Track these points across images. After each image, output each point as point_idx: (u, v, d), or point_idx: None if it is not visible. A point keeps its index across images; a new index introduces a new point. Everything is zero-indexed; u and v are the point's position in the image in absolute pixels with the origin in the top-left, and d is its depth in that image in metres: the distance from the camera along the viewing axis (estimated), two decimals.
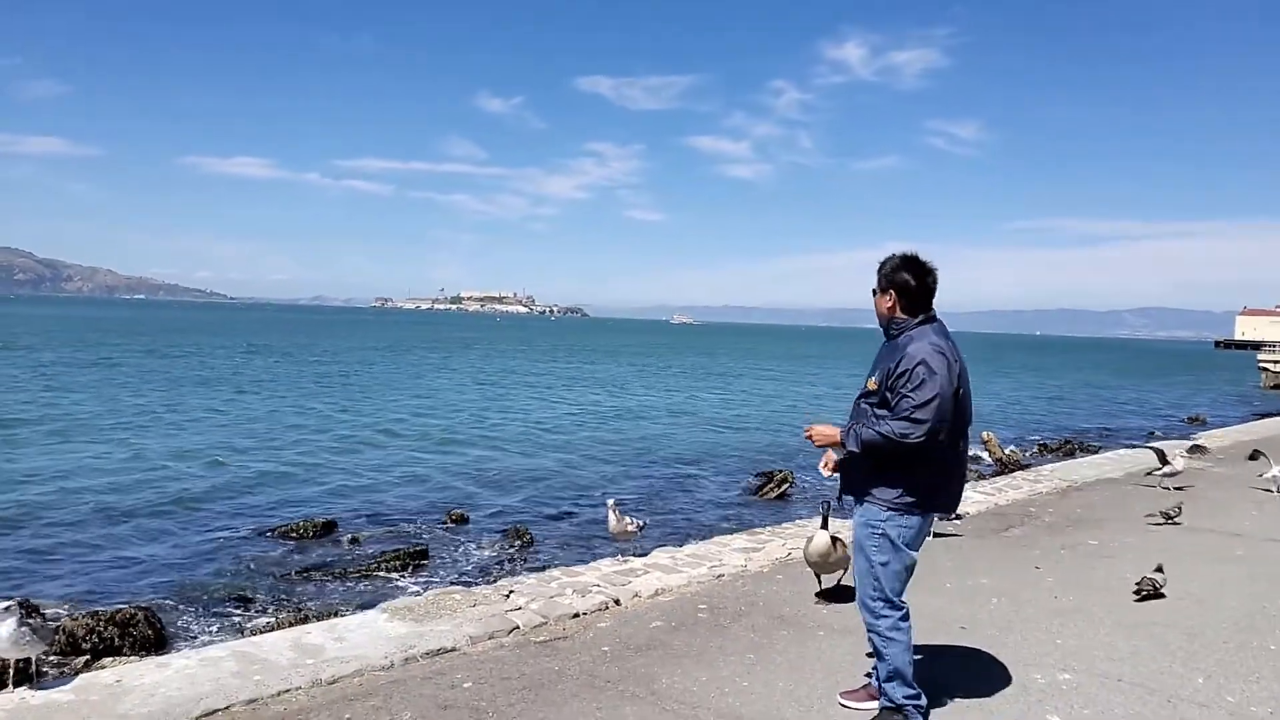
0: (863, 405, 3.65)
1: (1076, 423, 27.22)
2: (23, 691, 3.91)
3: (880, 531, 3.58)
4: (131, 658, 6.32)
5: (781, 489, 13.88)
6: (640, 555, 6.58)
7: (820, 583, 5.59)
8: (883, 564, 3.58)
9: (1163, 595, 5.64)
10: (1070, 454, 18.04)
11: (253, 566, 9.16)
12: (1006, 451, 16.88)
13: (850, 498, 3.76)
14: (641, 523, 6.79)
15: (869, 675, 3.99)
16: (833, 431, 3.64)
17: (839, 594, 5.52)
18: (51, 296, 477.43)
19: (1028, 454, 18.12)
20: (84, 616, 6.68)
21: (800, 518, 9.34)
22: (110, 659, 6.27)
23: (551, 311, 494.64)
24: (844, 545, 5.33)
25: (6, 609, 4.00)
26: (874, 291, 3.72)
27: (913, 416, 3.39)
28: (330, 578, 8.71)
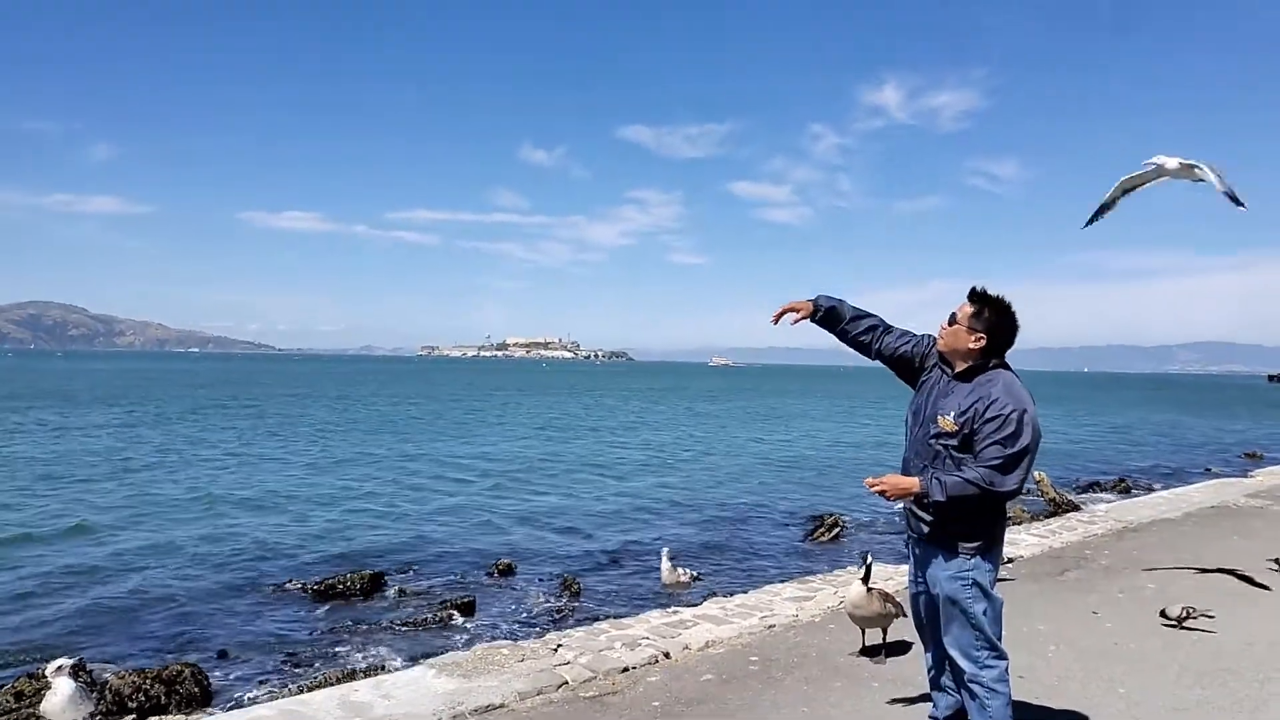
0: (936, 446, 3.48)
1: (1129, 461, 26.56)
2: None
3: (970, 580, 3.47)
4: (178, 716, 6.38)
5: (833, 532, 13.73)
6: (691, 606, 6.53)
7: (865, 637, 5.46)
8: (982, 612, 3.47)
9: (1190, 625, 5.56)
10: (1125, 492, 17.60)
11: (300, 621, 9.21)
12: (1059, 492, 16.49)
13: (921, 546, 3.63)
14: (694, 573, 6.76)
15: None
16: (910, 483, 3.41)
17: (888, 648, 5.41)
18: (103, 351, 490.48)
19: (1081, 493, 17.70)
20: (130, 674, 6.72)
21: (854, 563, 9.22)
22: (157, 717, 6.34)
23: (596, 356, 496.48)
24: (884, 598, 5.20)
25: (59, 669, 4.06)
26: (953, 319, 3.56)
27: (1004, 466, 3.29)
28: (377, 632, 8.72)
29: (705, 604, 6.60)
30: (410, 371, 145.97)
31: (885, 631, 5.40)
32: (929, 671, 3.92)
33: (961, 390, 3.50)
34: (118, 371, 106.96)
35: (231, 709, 4.78)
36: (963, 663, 3.53)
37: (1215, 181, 5.89)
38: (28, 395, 49.92)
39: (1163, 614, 5.86)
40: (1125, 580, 7.28)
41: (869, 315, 3.85)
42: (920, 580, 3.72)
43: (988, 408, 3.37)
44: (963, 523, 3.46)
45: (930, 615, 3.72)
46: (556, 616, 9.31)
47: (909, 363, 3.77)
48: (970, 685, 3.52)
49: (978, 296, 3.55)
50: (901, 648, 5.41)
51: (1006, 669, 3.52)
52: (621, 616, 6.48)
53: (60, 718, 4.03)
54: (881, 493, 3.44)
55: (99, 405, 43.15)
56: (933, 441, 3.51)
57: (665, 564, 6.46)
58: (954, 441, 3.43)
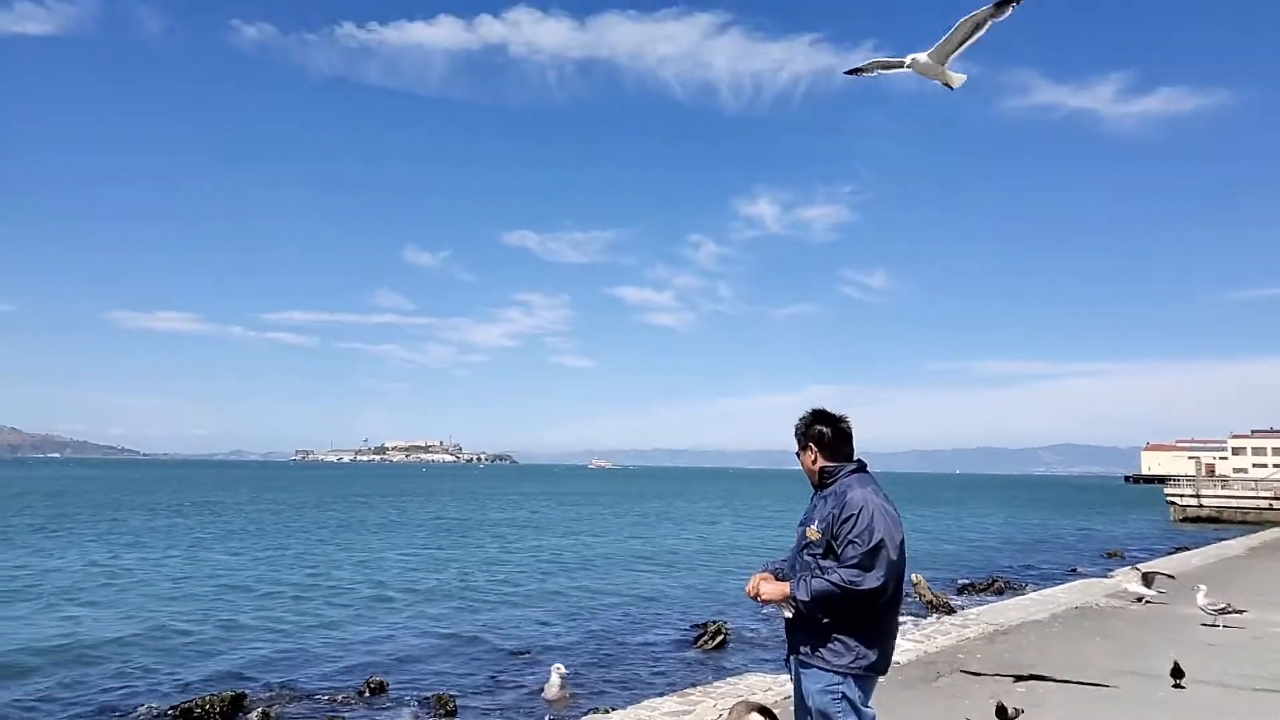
0: (805, 557, 3.60)
1: (1000, 559, 27.63)
2: None
3: (840, 695, 3.48)
4: None
5: (717, 640, 13.57)
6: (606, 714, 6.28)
7: None
8: None
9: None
10: (999, 593, 18.21)
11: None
12: (935, 594, 16.91)
13: (797, 659, 3.63)
14: (570, 691, 6.54)
15: None
16: (782, 587, 3.53)
17: None
18: None
19: (958, 595, 18.20)
20: None
21: (738, 671, 9.12)
22: None
23: (479, 459, 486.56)
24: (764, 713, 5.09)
25: None
26: (797, 453, 3.81)
27: (862, 563, 3.38)
28: None
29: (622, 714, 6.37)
30: (283, 476, 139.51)
31: None
32: None
33: (822, 501, 3.66)
34: None
35: None
36: None
37: (963, 79, 6.01)
38: None
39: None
40: (996, 685, 7.43)
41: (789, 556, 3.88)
42: (799, 693, 3.70)
43: (842, 509, 3.51)
44: (833, 634, 3.48)
45: None
46: None
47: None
48: None
49: (797, 424, 3.84)
50: None
51: None
52: None
53: None
54: (754, 596, 3.54)
55: None
56: (803, 554, 3.61)
57: (555, 680, 6.24)
58: (819, 550, 3.53)
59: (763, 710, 5.13)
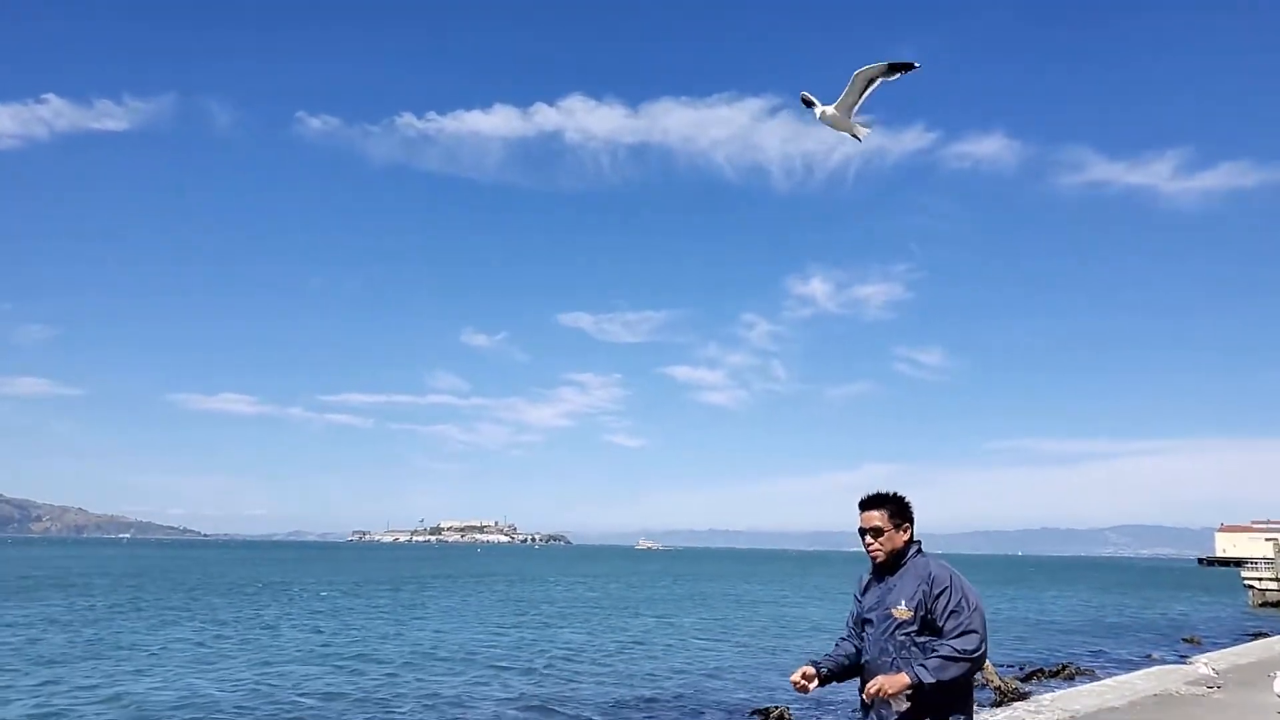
0: (899, 637, 3.72)
1: (1070, 645, 26.59)
2: None
3: None
4: None
5: None
6: None
7: None
8: None
9: None
10: (1070, 679, 17.58)
11: None
12: (1004, 680, 16.40)
13: None
14: None
15: None
16: (900, 679, 3.60)
17: None
18: (18, 538, 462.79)
19: (1025, 681, 17.60)
20: None
21: None
22: None
23: (534, 540, 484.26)
24: None
25: None
26: (877, 531, 3.86)
27: (968, 630, 3.57)
28: None
29: None
30: (344, 557, 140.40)
31: None
32: None
33: (900, 581, 3.81)
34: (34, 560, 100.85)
35: None
36: None
37: (869, 131, 6.06)
38: None
39: None
40: None
41: (839, 646, 4.07)
42: None
43: (932, 586, 3.69)
44: (938, 710, 3.63)
45: None
46: None
47: (859, 618, 4.00)
48: None
49: (875, 500, 3.94)
50: None
51: None
52: None
53: None
54: (878, 693, 3.61)
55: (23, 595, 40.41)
56: (895, 633, 3.75)
57: None
58: (914, 627, 3.71)
59: None
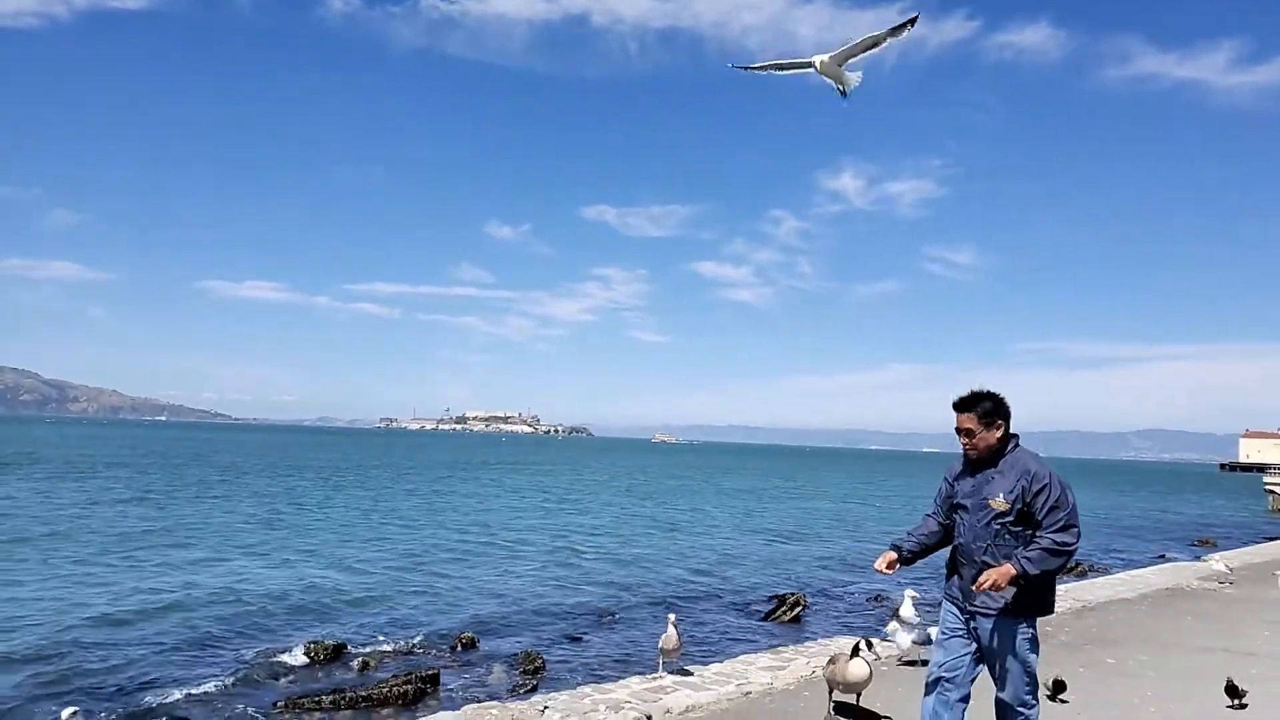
0: (995, 526, 4.07)
1: (1083, 545, 26.99)
2: None
3: (1029, 637, 4.11)
4: None
5: (795, 611, 13.84)
6: (677, 673, 6.66)
7: (831, 699, 5.70)
8: (1035, 663, 4.15)
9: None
10: (1082, 575, 17.98)
11: (262, 689, 9.09)
12: None
13: (979, 611, 4.15)
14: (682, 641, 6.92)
15: None
16: (1007, 570, 3.95)
17: (855, 711, 5.65)
18: (57, 417, 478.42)
19: None
20: None
21: (819, 638, 9.41)
22: None
23: (557, 431, 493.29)
24: (872, 668, 5.54)
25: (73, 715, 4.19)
26: (969, 430, 4.17)
27: (1068, 525, 3.95)
28: (342, 703, 8.50)
29: (676, 675, 6.76)
30: (375, 443, 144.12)
31: (859, 696, 5.66)
32: (934, 716, 4.34)
33: (1000, 474, 4.13)
34: (87, 438, 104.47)
35: None
36: (1016, 706, 4.17)
37: (858, 80, 5.99)
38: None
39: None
40: (1085, 655, 7.57)
41: (925, 523, 4.48)
42: (967, 638, 4.25)
43: (1032, 481, 4.01)
44: (1028, 592, 4.03)
45: (954, 668, 4.25)
46: (521, 691, 9.20)
47: (949, 504, 4.37)
48: None
49: (965, 403, 4.22)
50: (868, 714, 5.65)
51: (1039, 712, 4.24)
52: (603, 680, 6.60)
53: None
54: (993, 586, 3.96)
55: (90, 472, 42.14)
56: (992, 523, 4.09)
57: (672, 629, 6.65)
58: (1010, 518, 4.05)
59: (858, 649, 5.51)
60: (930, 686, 4.32)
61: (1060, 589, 12.11)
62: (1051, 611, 4.26)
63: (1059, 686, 6.11)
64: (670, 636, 6.66)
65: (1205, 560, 14.37)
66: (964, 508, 4.21)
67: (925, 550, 4.46)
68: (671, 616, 6.93)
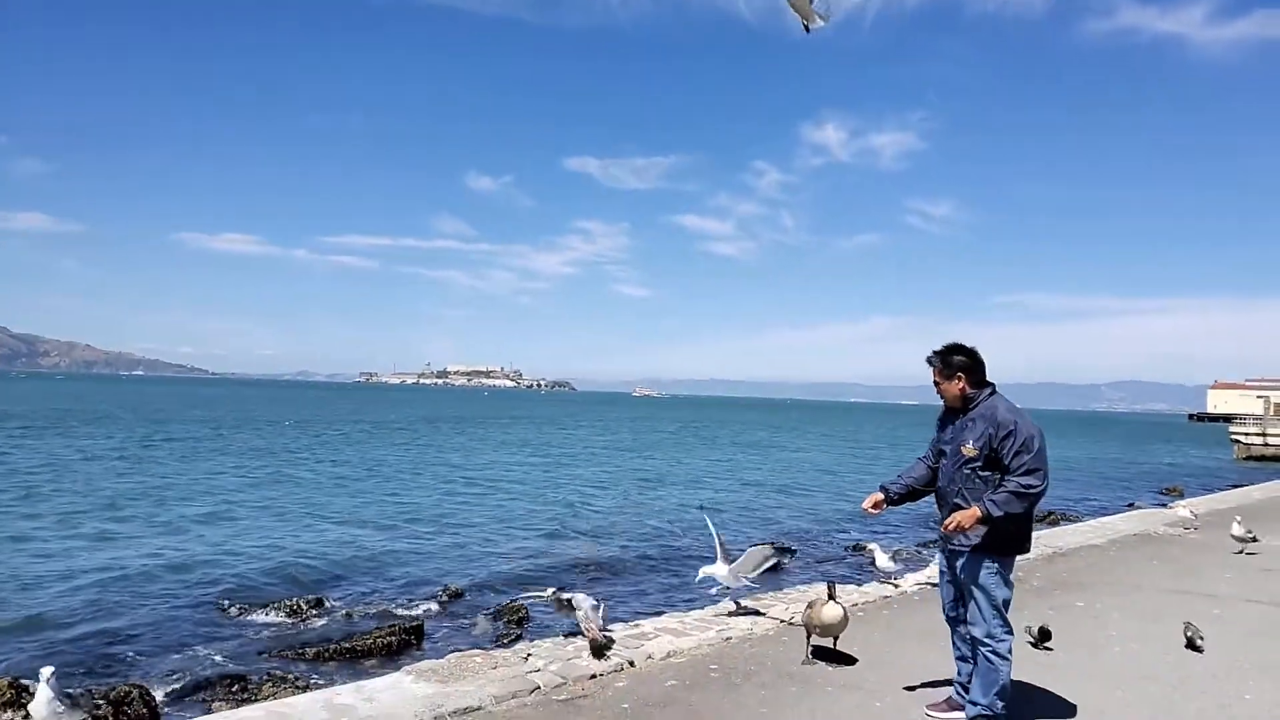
0: (965, 471, 4.41)
1: (1055, 494, 27.56)
2: None
3: (996, 572, 4.40)
4: None
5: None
6: (651, 618, 6.80)
7: (809, 644, 5.85)
8: (1004, 599, 4.41)
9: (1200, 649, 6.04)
10: (1054, 524, 18.35)
11: (242, 643, 9.11)
12: None
13: (954, 549, 4.49)
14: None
15: (954, 689, 4.76)
16: (973, 512, 4.29)
17: (833, 655, 5.80)
18: (27, 372, 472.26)
19: None
20: (81, 694, 6.74)
21: (797, 585, 9.60)
22: None
23: (539, 385, 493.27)
24: (846, 611, 5.68)
25: (46, 680, 4.19)
26: (936, 382, 4.57)
27: (1031, 468, 4.22)
28: (325, 654, 8.55)
29: (664, 617, 6.89)
30: (355, 398, 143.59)
31: (836, 639, 5.80)
32: (955, 650, 4.77)
33: (972, 422, 4.45)
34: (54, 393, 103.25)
35: (225, 711, 4.88)
36: (984, 638, 4.42)
37: (814, 24, 6.04)
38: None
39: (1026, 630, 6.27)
40: (1055, 599, 7.79)
41: (914, 466, 4.83)
42: (951, 577, 4.64)
43: (998, 427, 4.32)
44: (999, 531, 4.34)
45: (956, 604, 4.66)
46: (505, 641, 9.29)
47: (937, 449, 4.70)
48: (988, 656, 4.40)
49: (929, 358, 4.61)
50: (846, 657, 5.80)
51: (1011, 645, 4.45)
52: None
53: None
54: (958, 527, 4.33)
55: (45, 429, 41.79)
56: (963, 468, 4.43)
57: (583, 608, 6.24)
58: (979, 463, 4.38)
59: (832, 595, 5.66)
60: (949, 625, 4.77)
61: (1033, 536, 12.42)
62: (1026, 551, 4.56)
63: (1044, 634, 6.22)
64: (585, 617, 6.17)
65: (1172, 507, 14.71)
66: (943, 453, 4.57)
67: (912, 493, 4.82)
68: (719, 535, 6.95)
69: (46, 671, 4.29)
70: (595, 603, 6.01)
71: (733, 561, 7.02)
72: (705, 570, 7.28)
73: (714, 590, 7.49)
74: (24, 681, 7.20)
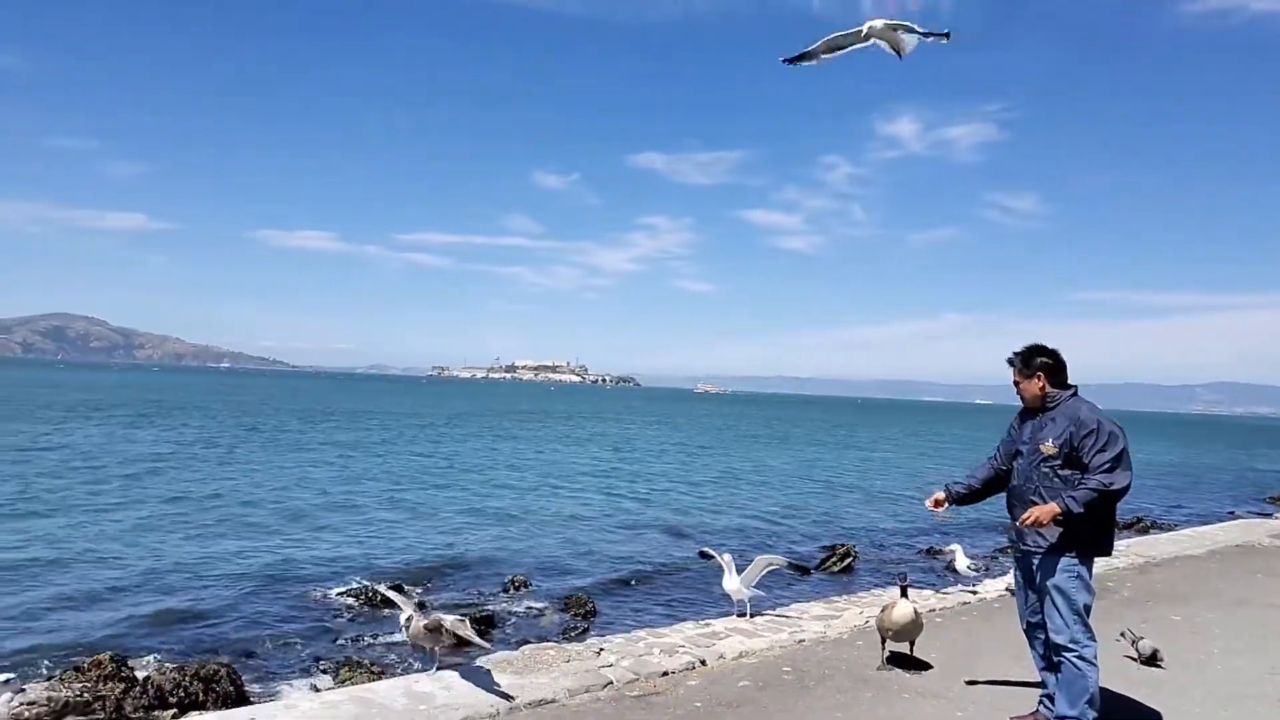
0: (1044, 469, 4.35)
1: (1145, 500, 26.43)
2: None
3: (1077, 574, 4.30)
4: (215, 712, 6.53)
5: (845, 562, 13.77)
6: (747, 615, 6.73)
7: (885, 649, 5.68)
8: (1085, 603, 4.30)
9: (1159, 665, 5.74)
10: (1144, 531, 17.62)
11: (323, 628, 9.34)
12: None
13: (1029, 550, 4.42)
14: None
15: (1040, 702, 4.61)
16: (1050, 508, 4.20)
17: (910, 662, 5.62)
18: (125, 363, 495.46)
19: None
20: (171, 670, 6.87)
21: (871, 588, 9.38)
22: (196, 713, 6.51)
23: (604, 381, 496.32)
24: (920, 614, 5.51)
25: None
26: (1016, 382, 4.54)
27: (1112, 467, 4.15)
28: (400, 640, 8.69)
29: (733, 618, 6.79)
30: (434, 391, 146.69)
31: (913, 644, 5.61)
32: (1038, 661, 4.66)
33: (1052, 420, 4.39)
34: (155, 384, 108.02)
35: (308, 693, 4.95)
36: (1067, 644, 4.29)
37: (916, 41, 5.78)
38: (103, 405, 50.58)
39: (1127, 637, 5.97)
40: (1149, 611, 7.42)
41: (980, 466, 4.82)
42: (1026, 582, 4.56)
43: (1080, 427, 4.26)
44: (1077, 531, 4.25)
45: (1035, 611, 4.54)
46: (572, 634, 9.31)
47: (1010, 450, 4.65)
48: (1072, 662, 4.28)
49: (1014, 358, 4.55)
50: (922, 664, 5.61)
51: (1096, 650, 4.31)
52: (652, 626, 6.66)
53: None
54: (1035, 522, 4.24)
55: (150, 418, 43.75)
56: (1040, 466, 4.37)
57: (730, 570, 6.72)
58: (1058, 462, 4.31)
59: (904, 592, 5.50)
60: (1026, 635, 4.69)
61: (1122, 544, 11.91)
62: (1107, 553, 4.43)
63: (1153, 657, 5.84)
64: (728, 579, 6.65)
65: (1279, 518, 13.95)
66: (1020, 453, 4.52)
67: (974, 493, 4.78)
68: (726, 556, 6.95)
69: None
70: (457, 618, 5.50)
71: (741, 574, 6.95)
72: (724, 585, 7.11)
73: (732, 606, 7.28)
74: (125, 656, 7.53)
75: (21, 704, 5.62)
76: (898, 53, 5.81)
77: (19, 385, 77.36)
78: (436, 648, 5.11)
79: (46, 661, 7.87)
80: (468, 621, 5.23)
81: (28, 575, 10.92)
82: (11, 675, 7.38)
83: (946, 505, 4.80)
